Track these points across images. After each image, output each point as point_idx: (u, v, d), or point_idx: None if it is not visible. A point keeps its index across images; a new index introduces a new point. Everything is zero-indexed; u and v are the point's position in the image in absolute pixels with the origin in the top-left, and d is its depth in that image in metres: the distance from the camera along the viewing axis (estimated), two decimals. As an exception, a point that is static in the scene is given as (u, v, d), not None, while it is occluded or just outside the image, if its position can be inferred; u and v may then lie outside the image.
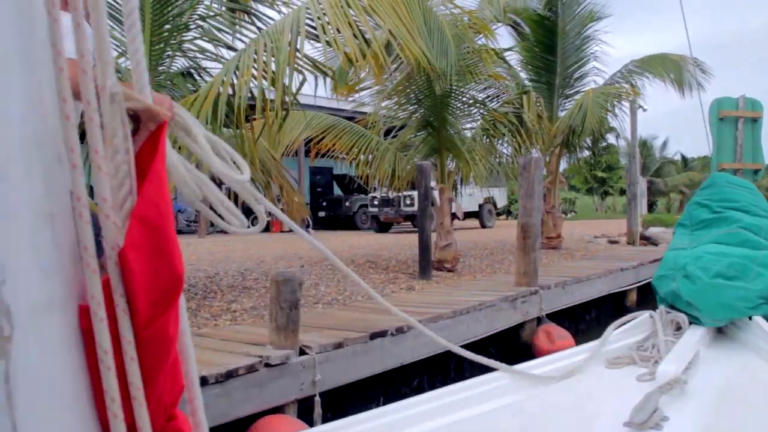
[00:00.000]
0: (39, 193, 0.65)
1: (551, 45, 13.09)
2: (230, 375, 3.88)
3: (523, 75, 13.56)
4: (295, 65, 5.66)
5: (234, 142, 6.18)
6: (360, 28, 5.65)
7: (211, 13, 6.40)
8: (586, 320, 9.01)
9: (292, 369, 4.27)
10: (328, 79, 7.34)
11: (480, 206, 24.56)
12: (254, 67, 5.44)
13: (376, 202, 22.04)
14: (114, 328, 0.70)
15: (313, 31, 5.68)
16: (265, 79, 5.50)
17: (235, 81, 5.51)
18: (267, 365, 4.11)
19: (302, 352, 4.42)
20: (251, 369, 4.02)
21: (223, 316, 5.96)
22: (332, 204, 25.35)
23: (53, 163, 0.68)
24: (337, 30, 5.43)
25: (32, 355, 0.64)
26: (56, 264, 0.67)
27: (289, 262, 10.57)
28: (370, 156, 10.10)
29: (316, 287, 7.79)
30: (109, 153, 0.70)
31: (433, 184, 9.61)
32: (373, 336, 5.00)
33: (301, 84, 6.01)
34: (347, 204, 24.58)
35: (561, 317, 7.89)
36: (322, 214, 25.23)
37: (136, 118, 0.74)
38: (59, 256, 0.67)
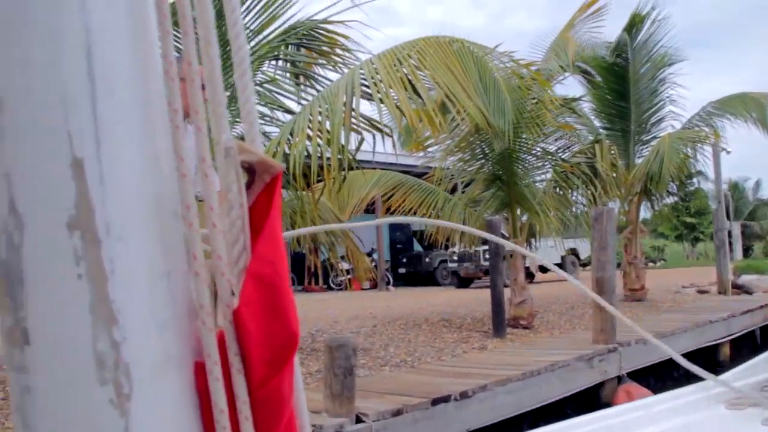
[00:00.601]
0: (156, 251, 0.65)
1: (623, 91, 12.82)
2: (281, 447, 3.76)
3: (596, 123, 13.27)
4: (352, 125, 5.64)
5: (294, 205, 6.19)
6: (414, 86, 5.61)
7: (268, 78, 6.49)
8: (674, 377, 8.49)
9: (347, 438, 4.12)
10: (390, 137, 7.32)
11: (562, 258, 23.99)
12: (309, 128, 5.46)
13: (455, 258, 21.81)
14: (228, 387, 0.68)
15: (368, 91, 5.68)
16: (320, 138, 5.51)
17: (292, 141, 5.55)
18: (320, 435, 3.98)
19: (359, 420, 4.26)
20: (303, 440, 3.88)
21: (288, 381, 5.87)
22: (412, 260, 25.31)
23: (170, 222, 0.68)
24: (389, 87, 5.40)
25: (151, 413, 0.63)
26: (172, 322, 0.66)
27: (362, 322, 10.46)
28: (439, 213, 10.00)
29: (385, 348, 7.64)
30: (224, 209, 0.69)
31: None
32: (436, 401, 4.80)
33: (360, 143, 6.00)
34: (427, 260, 24.49)
35: (645, 375, 7.48)
36: (402, 270, 25.20)
37: (249, 170, 0.73)
38: (175, 313, 0.67)
